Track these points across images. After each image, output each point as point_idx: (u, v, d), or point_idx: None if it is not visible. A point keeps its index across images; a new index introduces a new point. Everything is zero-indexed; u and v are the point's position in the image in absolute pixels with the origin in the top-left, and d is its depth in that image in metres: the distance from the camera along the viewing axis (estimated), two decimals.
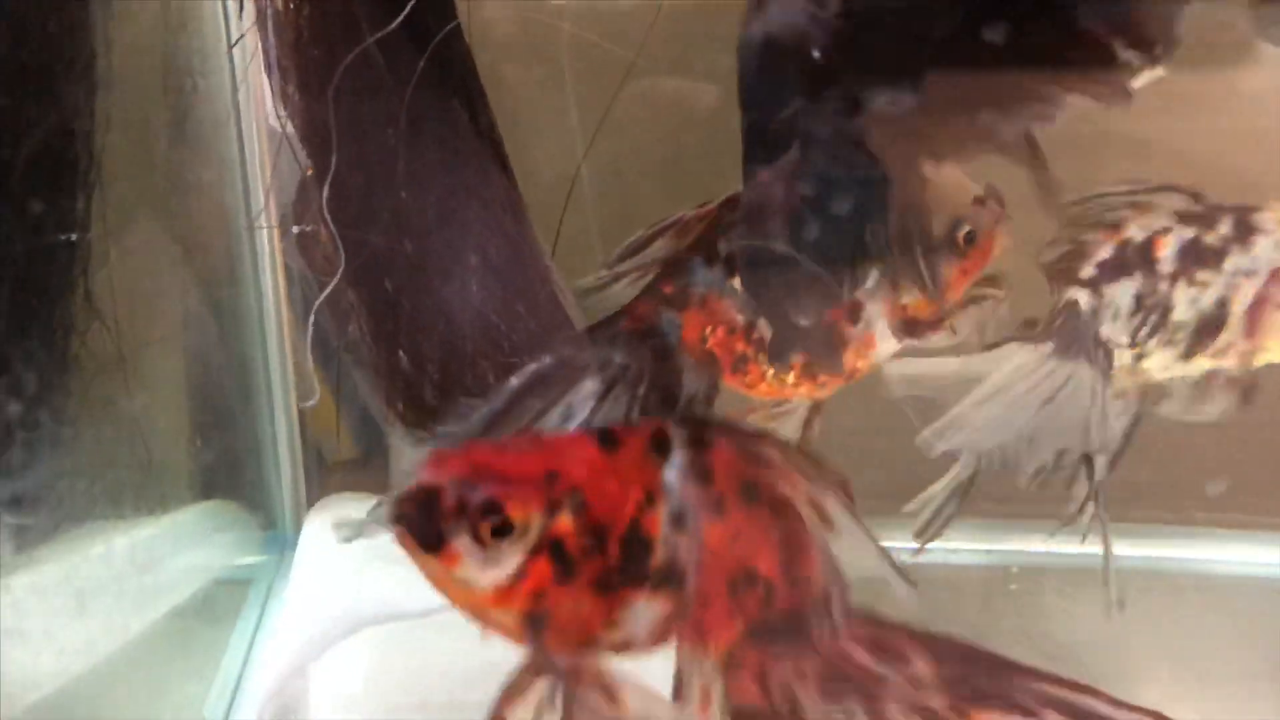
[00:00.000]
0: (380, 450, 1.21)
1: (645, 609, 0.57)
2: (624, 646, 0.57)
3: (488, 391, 0.95)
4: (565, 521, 0.55)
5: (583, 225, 1.06)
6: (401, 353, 0.93)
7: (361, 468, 1.26)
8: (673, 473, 0.56)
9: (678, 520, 0.56)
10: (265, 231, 1.05)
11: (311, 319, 0.96)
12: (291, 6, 0.86)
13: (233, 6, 0.89)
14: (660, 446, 0.57)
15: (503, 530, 0.54)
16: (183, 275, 1.06)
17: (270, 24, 0.88)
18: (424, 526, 0.54)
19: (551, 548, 0.55)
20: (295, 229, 0.96)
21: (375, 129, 0.90)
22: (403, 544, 0.55)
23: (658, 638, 0.58)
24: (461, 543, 0.54)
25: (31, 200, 0.84)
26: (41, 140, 0.85)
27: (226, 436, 1.19)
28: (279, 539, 1.23)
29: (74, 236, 0.86)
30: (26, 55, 0.83)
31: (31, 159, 0.84)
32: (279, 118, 0.91)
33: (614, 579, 0.56)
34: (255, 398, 1.19)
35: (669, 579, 0.57)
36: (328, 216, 0.89)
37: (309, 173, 0.91)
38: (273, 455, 1.21)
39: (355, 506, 1.17)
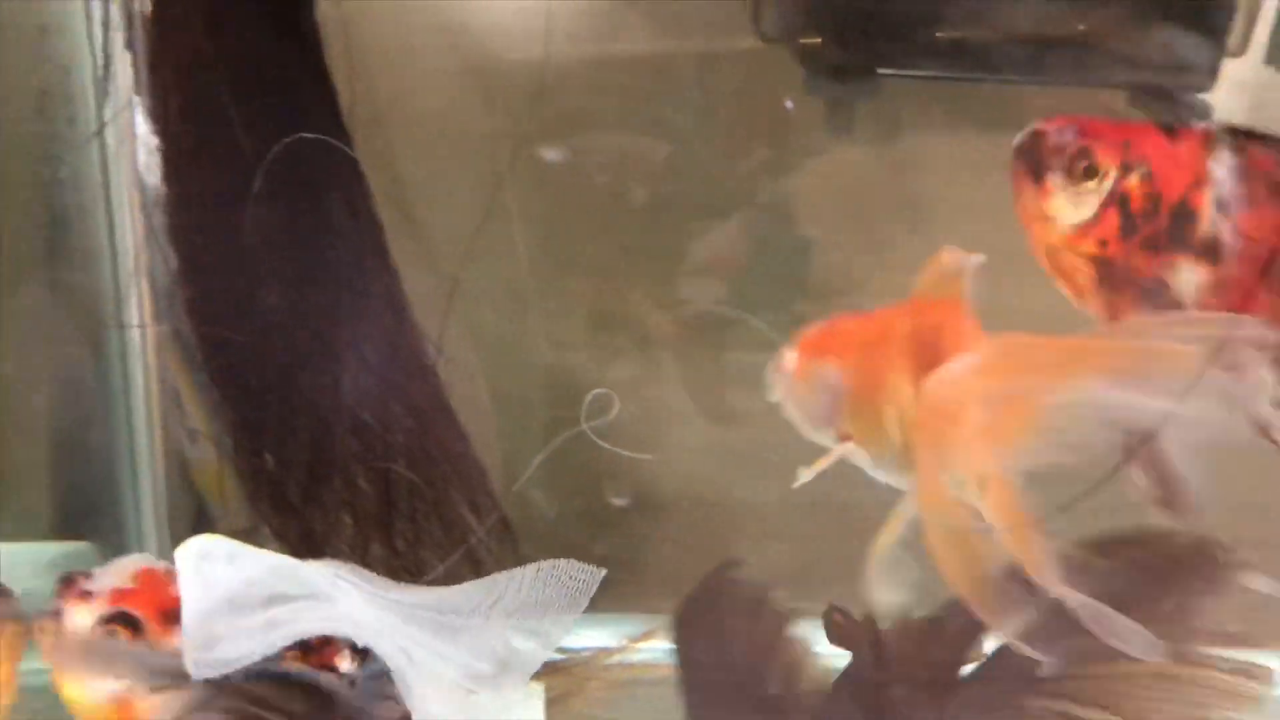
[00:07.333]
0: None
1: (1189, 273, 0.70)
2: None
3: (358, 496, 0.92)
4: (1133, 182, 0.70)
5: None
6: (267, 454, 0.89)
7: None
8: (1219, 166, 0.69)
9: (1220, 205, 0.69)
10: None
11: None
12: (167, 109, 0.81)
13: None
14: (1209, 143, 0.70)
15: (1090, 172, 0.69)
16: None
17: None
18: (1031, 160, 0.70)
19: (1120, 201, 0.70)
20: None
21: (246, 224, 0.84)
22: (1016, 176, 0.71)
23: (1198, 304, 0.71)
24: (1056, 178, 0.70)
25: None
26: None
27: (88, 478, 1.14)
28: None
29: None
30: None
31: None
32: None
33: (1162, 241, 0.70)
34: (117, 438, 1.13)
35: (1210, 252, 0.70)
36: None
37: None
38: (133, 502, 1.15)
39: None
